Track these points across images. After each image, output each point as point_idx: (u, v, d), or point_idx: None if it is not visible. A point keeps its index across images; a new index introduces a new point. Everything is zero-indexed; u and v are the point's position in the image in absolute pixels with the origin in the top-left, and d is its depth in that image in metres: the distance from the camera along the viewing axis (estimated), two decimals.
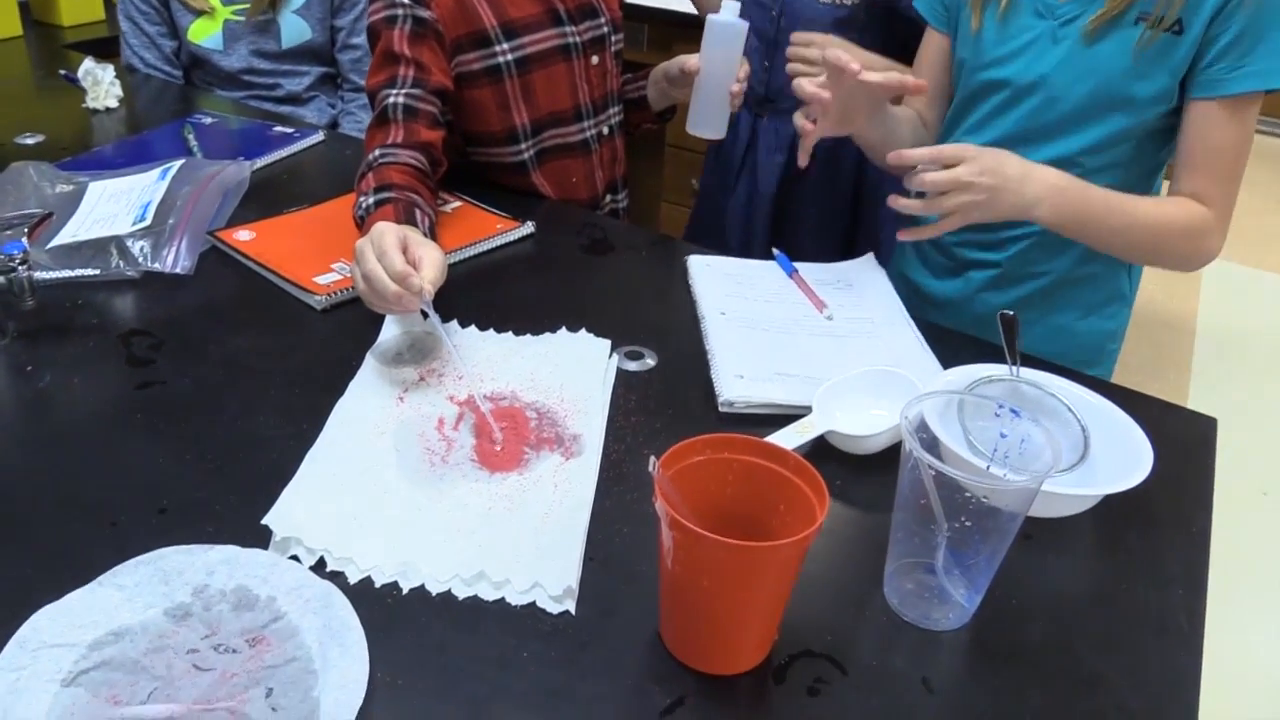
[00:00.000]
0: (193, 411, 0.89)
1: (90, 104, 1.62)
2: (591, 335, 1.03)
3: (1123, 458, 0.84)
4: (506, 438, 0.88)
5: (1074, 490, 0.79)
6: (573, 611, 0.71)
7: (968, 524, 0.66)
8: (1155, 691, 0.69)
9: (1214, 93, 1.01)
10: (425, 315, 0.95)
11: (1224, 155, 1.04)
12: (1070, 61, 1.06)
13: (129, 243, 1.11)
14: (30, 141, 1.49)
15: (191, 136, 1.50)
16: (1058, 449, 0.67)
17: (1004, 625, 0.73)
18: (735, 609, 0.64)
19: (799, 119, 1.10)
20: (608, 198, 1.48)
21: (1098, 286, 1.21)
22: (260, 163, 1.42)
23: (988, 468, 0.72)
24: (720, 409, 0.94)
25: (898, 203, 1.01)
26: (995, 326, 0.99)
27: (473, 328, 1.05)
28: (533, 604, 0.71)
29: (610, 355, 1.01)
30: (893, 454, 0.88)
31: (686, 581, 0.64)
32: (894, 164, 1.00)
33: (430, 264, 0.94)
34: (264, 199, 1.31)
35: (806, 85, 1.05)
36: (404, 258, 0.92)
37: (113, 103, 1.63)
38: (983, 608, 0.73)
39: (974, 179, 0.97)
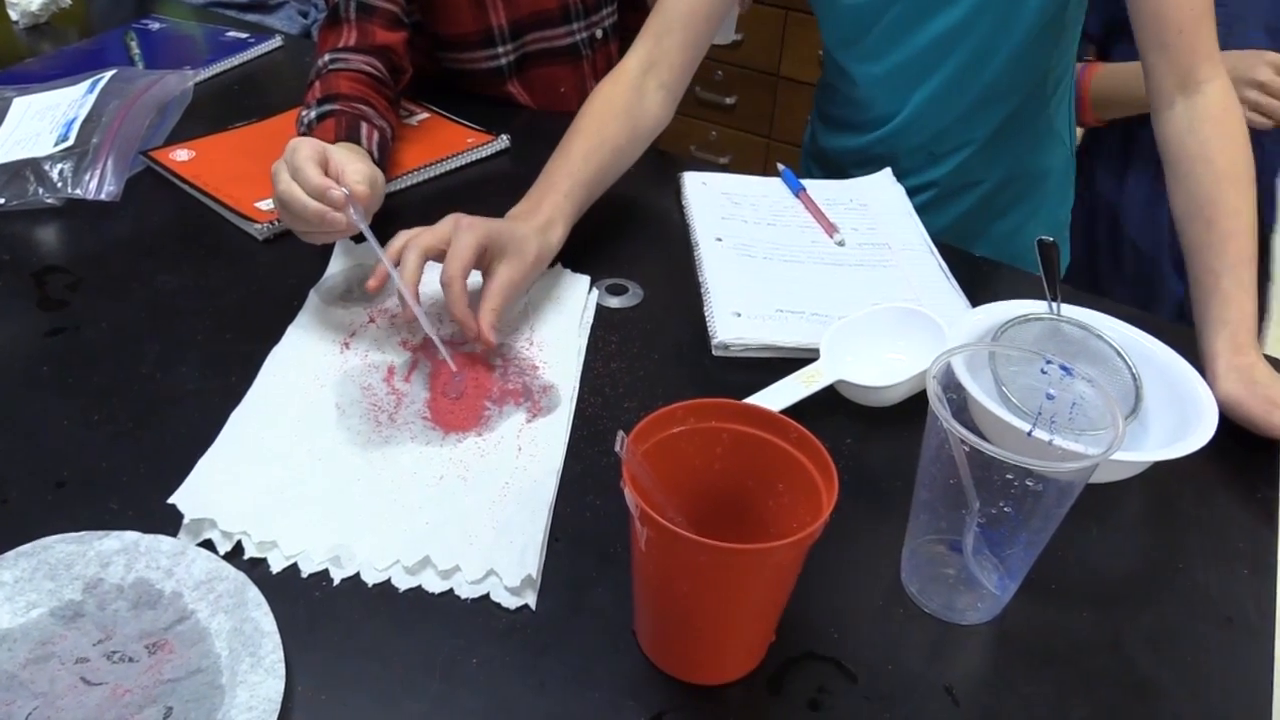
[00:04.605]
0: (107, 362, 0.78)
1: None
2: (568, 270, 0.91)
3: (1180, 413, 0.72)
4: (466, 389, 0.77)
5: (1127, 457, 0.67)
6: (533, 606, 0.60)
7: (1007, 509, 0.55)
8: (1218, 699, 0.58)
9: None
10: (361, 239, 0.82)
11: (1193, 7, 0.85)
12: None
13: (47, 166, 0.98)
14: None
15: (134, 44, 1.35)
16: (1118, 416, 0.54)
17: (1040, 617, 0.62)
18: (720, 617, 0.53)
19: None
20: None
21: (1039, 177, 1.12)
22: (207, 73, 1.27)
23: (1030, 433, 0.60)
24: (714, 353, 0.82)
25: None
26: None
27: None
28: (486, 597, 0.60)
29: (590, 290, 0.89)
30: (912, 406, 0.76)
31: (662, 582, 0.53)
32: None
33: (353, 173, 0.81)
34: (212, 113, 1.17)
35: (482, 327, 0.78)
36: (322, 173, 0.79)
37: (33, 6, 1.41)
38: (1015, 595, 0.62)
39: None
